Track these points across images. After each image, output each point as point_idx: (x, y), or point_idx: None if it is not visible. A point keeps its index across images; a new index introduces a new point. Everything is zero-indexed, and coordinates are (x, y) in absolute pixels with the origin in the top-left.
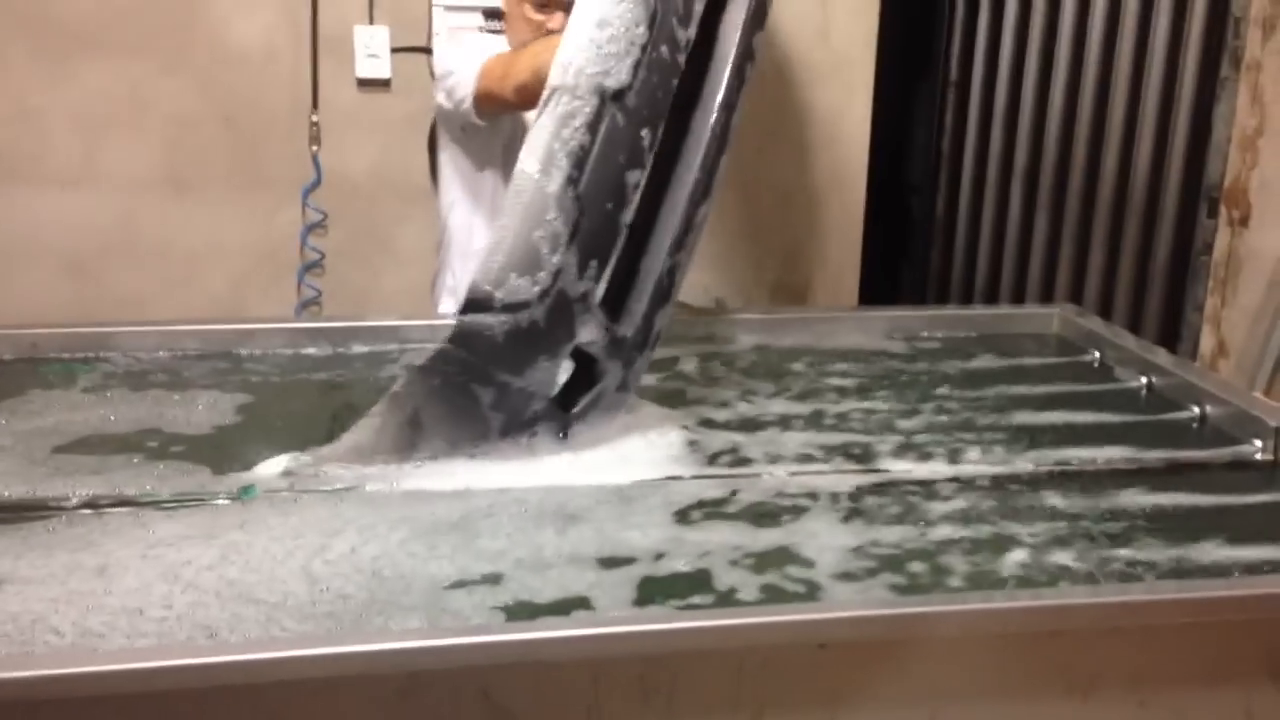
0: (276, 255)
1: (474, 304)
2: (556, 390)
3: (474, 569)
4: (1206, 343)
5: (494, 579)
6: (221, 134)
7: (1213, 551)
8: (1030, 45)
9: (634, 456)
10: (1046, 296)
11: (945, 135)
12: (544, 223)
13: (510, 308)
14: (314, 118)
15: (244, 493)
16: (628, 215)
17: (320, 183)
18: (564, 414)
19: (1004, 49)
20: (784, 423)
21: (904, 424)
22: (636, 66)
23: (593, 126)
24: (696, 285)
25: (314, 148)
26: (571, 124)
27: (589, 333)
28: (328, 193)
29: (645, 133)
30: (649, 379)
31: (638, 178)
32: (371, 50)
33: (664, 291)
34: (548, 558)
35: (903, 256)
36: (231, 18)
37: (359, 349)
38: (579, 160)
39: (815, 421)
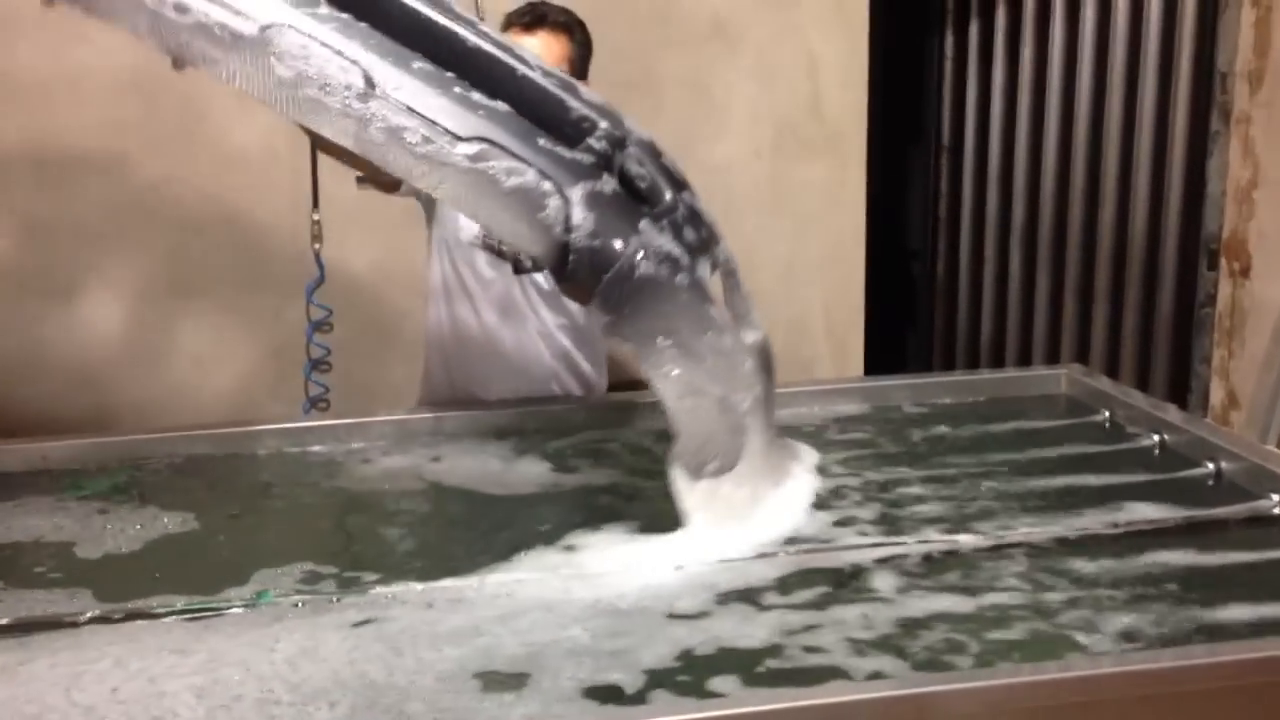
0: (282, 354)
1: None
2: None
3: None
4: (1216, 395)
5: None
6: (224, 237)
7: (1238, 611)
8: (1020, 106)
9: None
10: (1052, 354)
11: (941, 199)
12: None
13: None
14: (315, 216)
15: (259, 597)
16: None
17: (324, 280)
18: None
19: (994, 111)
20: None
21: (924, 491)
22: None
23: None
24: None
25: (316, 245)
26: None
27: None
28: (332, 289)
29: None
30: None
31: None
32: None
33: None
34: None
35: (907, 322)
36: (232, 123)
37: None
38: None
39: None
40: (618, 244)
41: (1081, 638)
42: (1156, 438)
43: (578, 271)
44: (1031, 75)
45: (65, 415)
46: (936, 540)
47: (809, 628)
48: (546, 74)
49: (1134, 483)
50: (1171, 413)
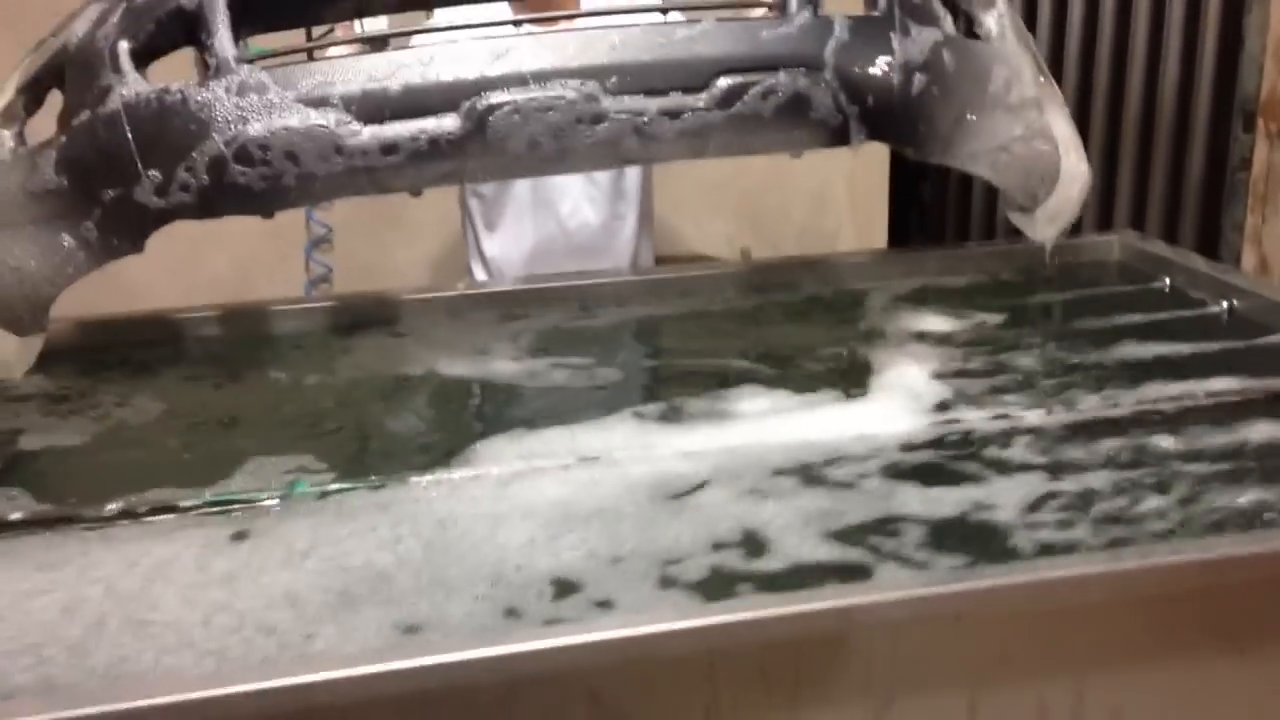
0: (282, 233)
1: None
2: None
3: None
4: (1249, 261)
5: None
6: None
7: None
8: None
9: None
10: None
11: None
12: None
13: None
14: None
15: (293, 487)
16: None
17: None
18: None
19: None
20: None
21: (998, 361)
22: None
23: None
24: (719, 235)
25: None
26: None
27: None
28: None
29: None
30: None
31: None
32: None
33: None
34: None
35: (926, 190)
36: None
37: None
38: None
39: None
40: (884, 71)
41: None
42: (1225, 304)
43: (875, 133)
44: None
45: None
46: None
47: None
48: None
49: (1206, 352)
50: (1237, 277)
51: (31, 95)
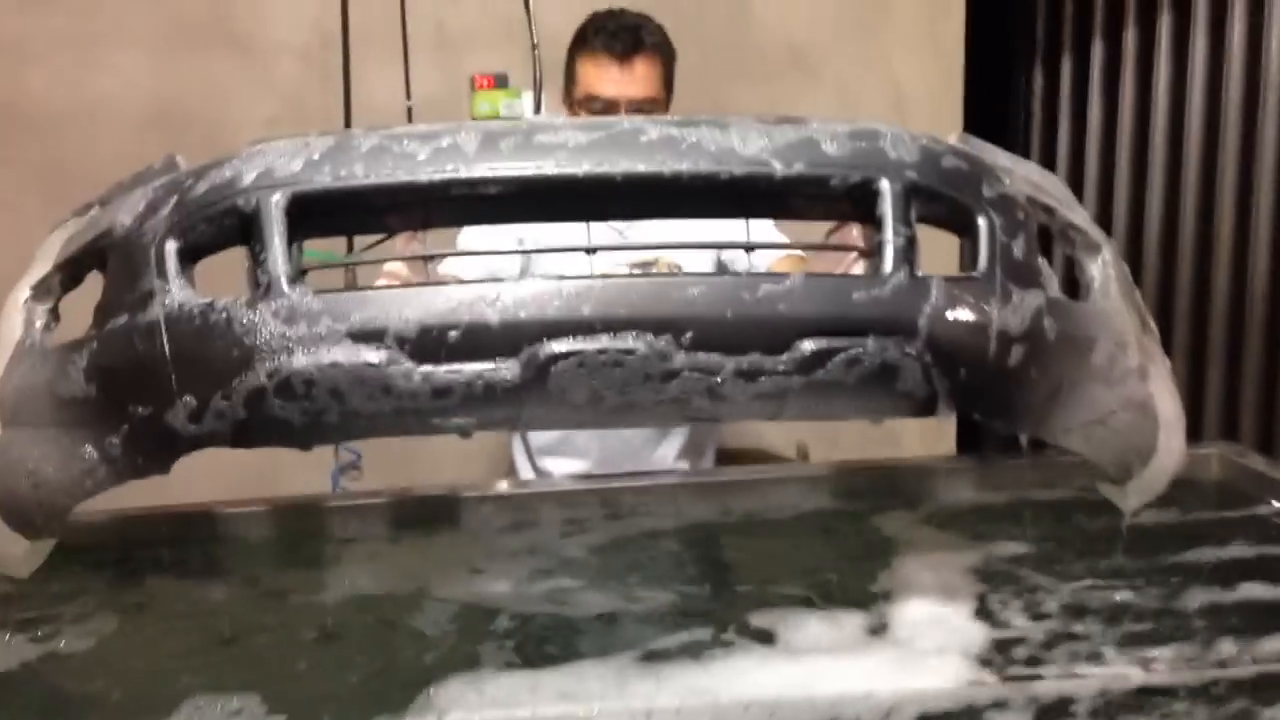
0: None
1: None
2: None
3: None
4: None
5: None
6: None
7: None
8: (1119, 150)
9: None
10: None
11: None
12: None
13: None
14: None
15: None
16: None
17: None
18: None
19: (1089, 155)
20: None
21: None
22: None
23: None
24: (777, 427)
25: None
26: None
27: None
28: None
29: None
30: None
31: None
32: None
33: None
34: None
35: None
36: None
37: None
38: None
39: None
40: (980, 343)
41: None
42: None
43: (964, 407)
44: (1132, 116)
45: None
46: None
47: None
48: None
49: None
50: None
51: (70, 274)
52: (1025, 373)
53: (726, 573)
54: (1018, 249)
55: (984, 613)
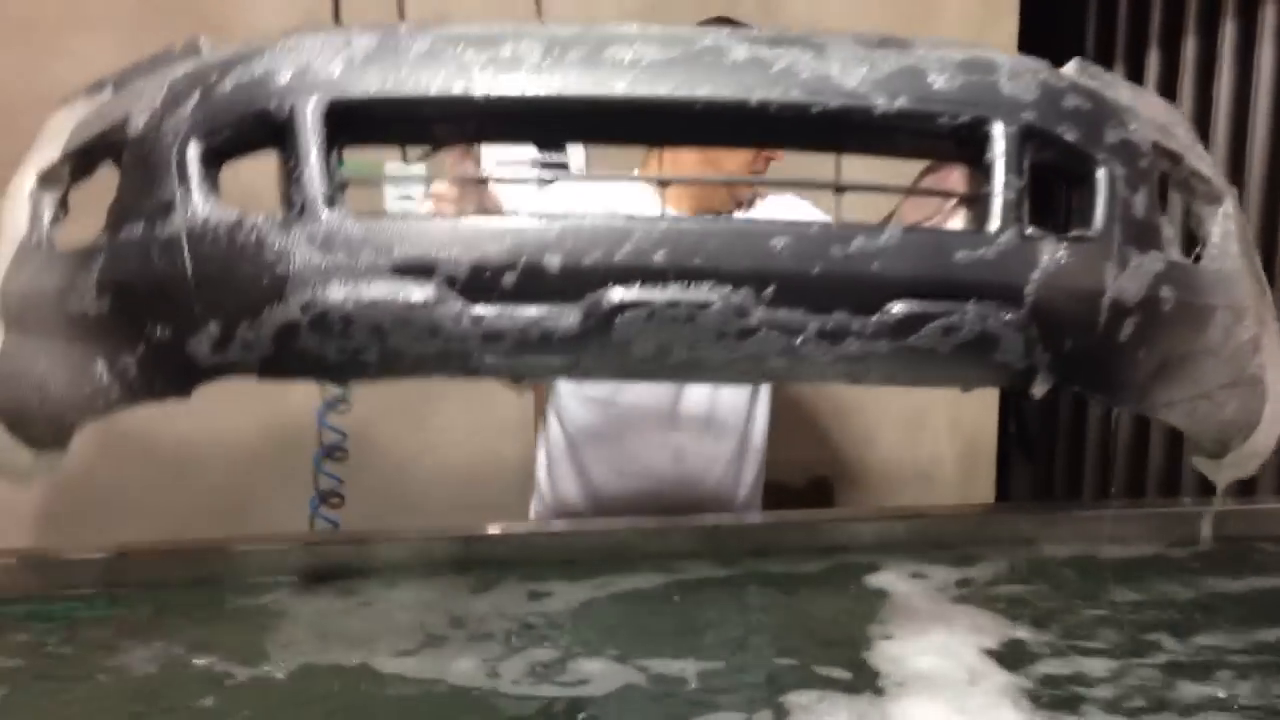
0: (288, 437)
1: None
2: None
3: None
4: None
5: None
6: None
7: None
8: None
9: None
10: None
11: None
12: None
13: None
14: None
15: None
16: None
17: None
18: None
19: None
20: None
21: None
22: None
23: None
24: (793, 463)
25: None
26: None
27: None
28: None
29: None
30: None
31: None
32: (404, 191)
33: None
34: None
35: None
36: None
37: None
38: None
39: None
40: (1091, 314)
41: None
42: None
43: (1063, 379)
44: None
45: (22, 512)
46: None
47: None
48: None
49: None
50: None
51: (81, 163)
52: (1135, 345)
53: (743, 642)
54: (1139, 205)
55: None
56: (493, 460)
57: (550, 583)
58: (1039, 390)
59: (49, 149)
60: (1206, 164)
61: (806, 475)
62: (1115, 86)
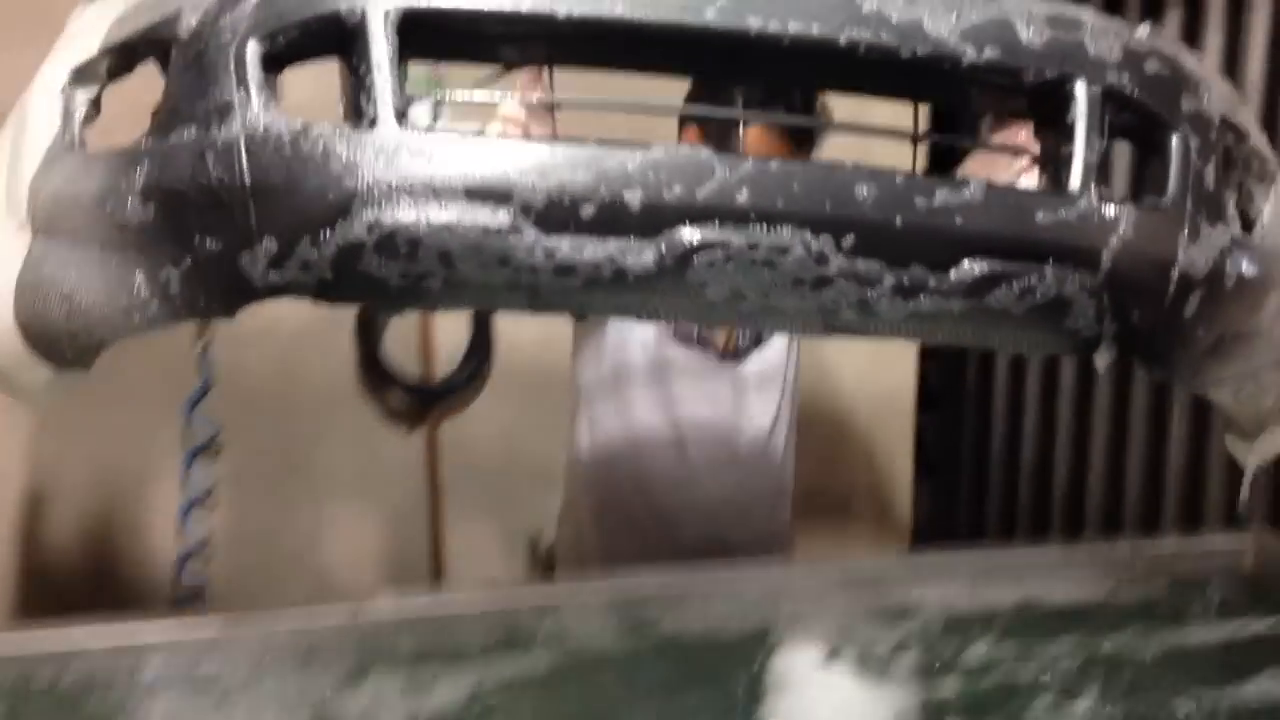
0: (149, 487)
1: None
2: None
3: None
4: None
5: None
6: None
7: None
8: None
9: None
10: (1150, 508)
11: None
12: None
13: None
14: None
15: None
16: None
17: (209, 389)
18: None
19: None
20: None
21: None
22: None
23: None
24: None
25: (202, 343)
26: None
27: None
28: (221, 402)
29: None
30: None
31: None
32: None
33: None
34: None
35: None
36: None
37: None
38: None
39: None
40: (1161, 285)
41: None
42: None
43: (1125, 351)
44: None
45: None
46: None
47: None
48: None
49: None
50: None
51: (120, 60)
52: (1198, 319)
53: None
54: (1209, 177)
55: None
56: (384, 506)
57: (434, 666)
58: (1102, 361)
59: (83, 44)
60: (1264, 142)
61: None
62: (1186, 56)
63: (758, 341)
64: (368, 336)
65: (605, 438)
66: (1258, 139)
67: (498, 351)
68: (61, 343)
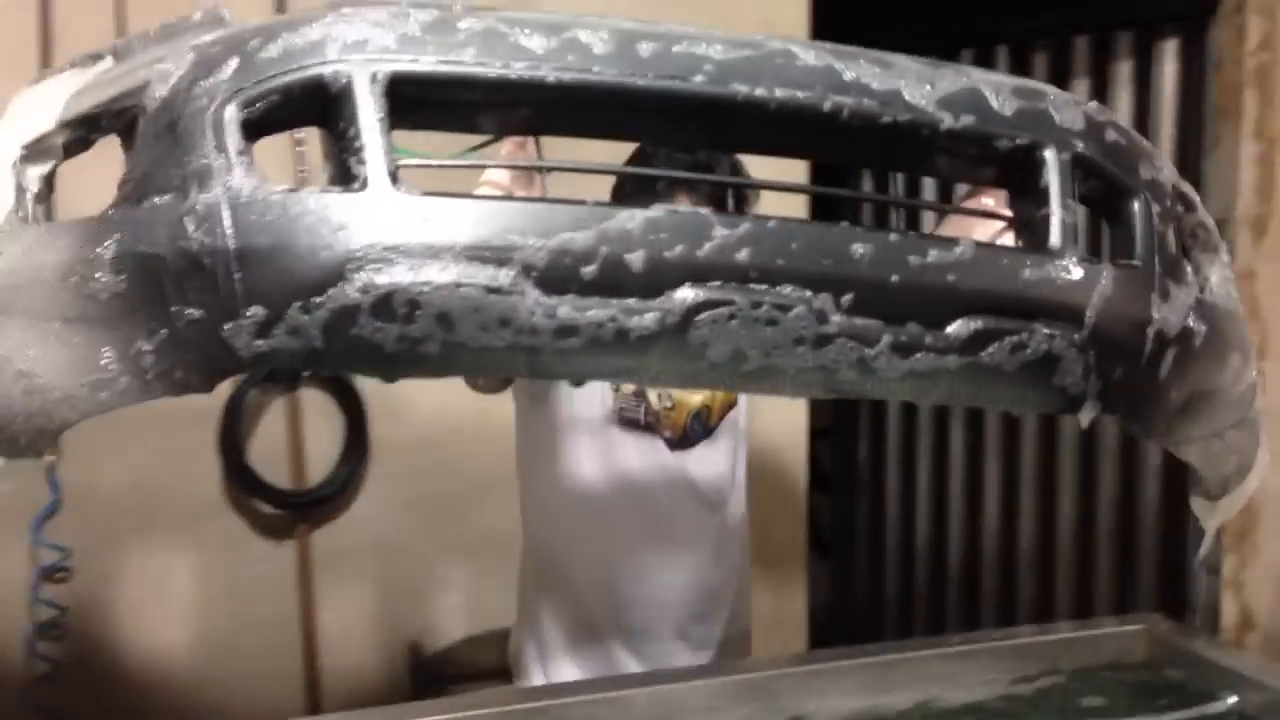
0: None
1: None
2: None
3: None
4: (1229, 613)
5: None
6: None
7: None
8: None
9: None
10: (1006, 561)
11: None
12: None
13: None
14: None
15: None
16: None
17: (58, 507)
18: None
19: None
20: None
21: None
22: None
23: None
24: None
25: (50, 458)
26: None
27: None
28: (70, 521)
29: None
30: None
31: None
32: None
33: None
34: None
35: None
36: None
37: None
38: None
39: None
40: (1139, 341)
41: None
42: None
43: (1107, 408)
44: None
45: None
46: None
47: None
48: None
49: None
50: None
51: (79, 135)
52: (1172, 376)
53: None
54: (1170, 241)
55: None
56: (251, 624)
57: None
58: (1086, 418)
59: (36, 119)
60: (1207, 215)
61: None
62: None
63: (708, 432)
64: (232, 443)
65: (547, 512)
66: (1202, 210)
67: (373, 454)
68: (16, 426)
